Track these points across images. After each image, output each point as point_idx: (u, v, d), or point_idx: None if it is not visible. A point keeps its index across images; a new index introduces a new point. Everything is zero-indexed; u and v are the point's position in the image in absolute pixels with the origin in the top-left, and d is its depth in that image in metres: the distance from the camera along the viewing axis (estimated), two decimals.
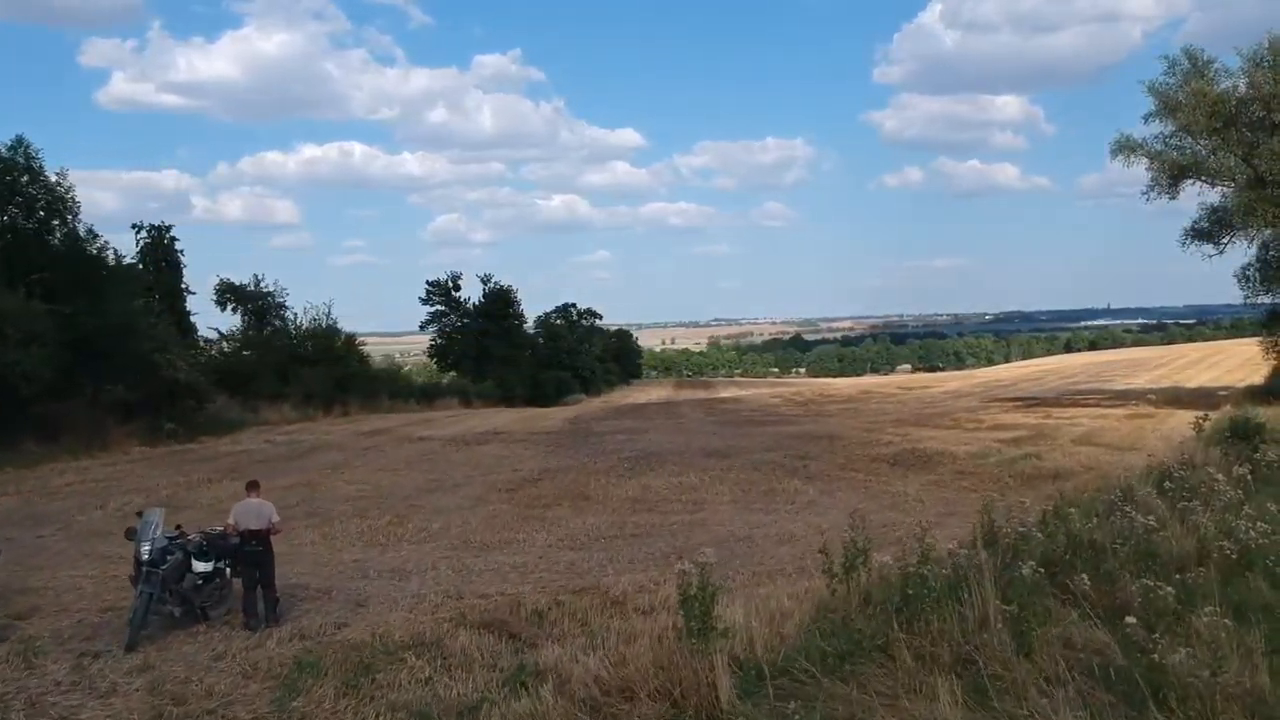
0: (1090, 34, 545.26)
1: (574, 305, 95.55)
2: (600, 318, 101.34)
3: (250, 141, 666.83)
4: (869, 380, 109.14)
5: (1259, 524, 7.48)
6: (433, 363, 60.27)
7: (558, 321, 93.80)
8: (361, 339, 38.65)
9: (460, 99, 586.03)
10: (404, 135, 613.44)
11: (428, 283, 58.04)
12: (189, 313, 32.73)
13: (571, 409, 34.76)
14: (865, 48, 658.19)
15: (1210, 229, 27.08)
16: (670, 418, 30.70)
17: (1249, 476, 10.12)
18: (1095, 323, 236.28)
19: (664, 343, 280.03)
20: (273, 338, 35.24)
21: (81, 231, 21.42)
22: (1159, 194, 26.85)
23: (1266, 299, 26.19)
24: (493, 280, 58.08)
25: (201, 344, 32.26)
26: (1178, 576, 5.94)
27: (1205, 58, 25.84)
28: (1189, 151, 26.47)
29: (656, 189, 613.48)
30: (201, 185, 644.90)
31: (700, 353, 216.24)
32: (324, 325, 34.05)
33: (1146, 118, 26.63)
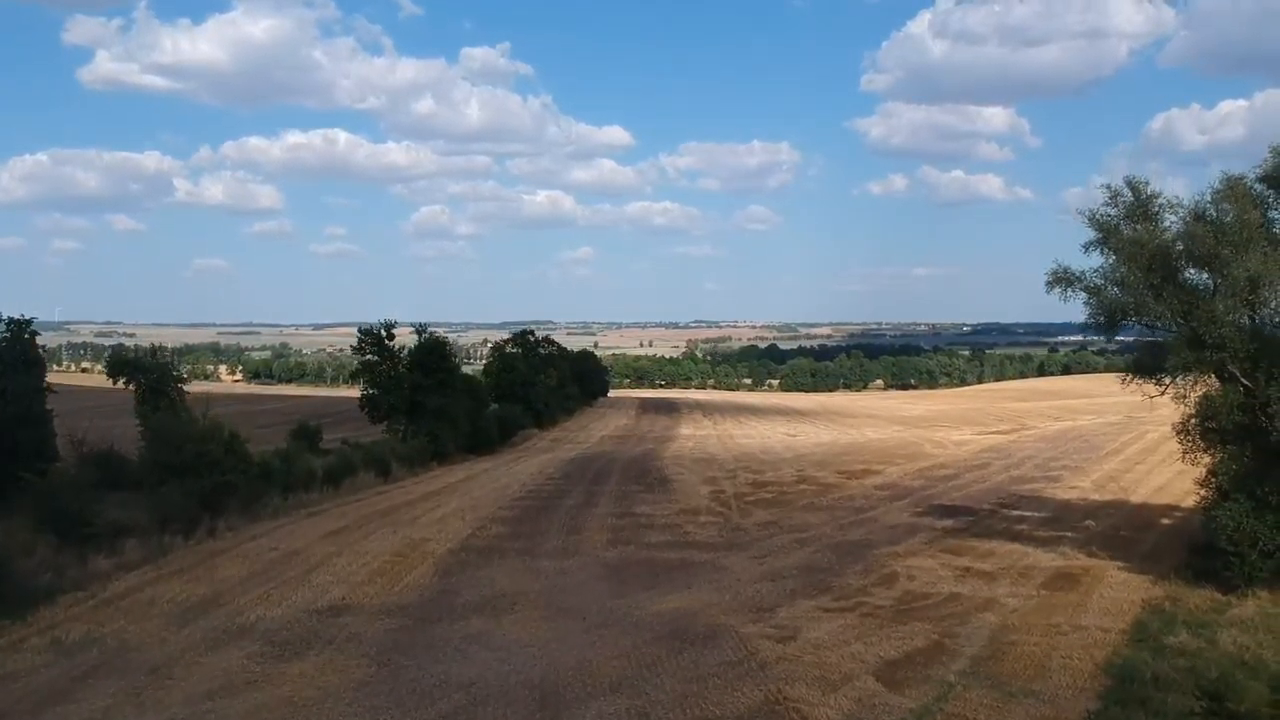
0: (1078, 49, 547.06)
1: (532, 332, 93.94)
2: (556, 346, 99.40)
3: (234, 126, 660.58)
4: (840, 402, 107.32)
5: None
6: (365, 414, 58.46)
7: (513, 351, 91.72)
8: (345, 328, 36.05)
9: (447, 91, 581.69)
10: (389, 125, 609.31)
11: (360, 330, 57.31)
12: (50, 414, 30.04)
13: (470, 509, 32.29)
14: (854, 55, 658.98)
15: (1153, 366, 25.12)
16: (568, 541, 28.15)
17: None
18: (1072, 338, 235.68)
19: (642, 345, 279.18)
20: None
21: None
22: (1097, 333, 24.82)
23: (1207, 458, 24.06)
24: (428, 330, 57.38)
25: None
26: None
27: (1150, 190, 23.96)
28: (1131, 289, 24.37)
29: (642, 188, 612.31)
30: (184, 168, 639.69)
31: (673, 360, 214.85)
32: (202, 421, 31.14)
33: (1086, 247, 24.71)
